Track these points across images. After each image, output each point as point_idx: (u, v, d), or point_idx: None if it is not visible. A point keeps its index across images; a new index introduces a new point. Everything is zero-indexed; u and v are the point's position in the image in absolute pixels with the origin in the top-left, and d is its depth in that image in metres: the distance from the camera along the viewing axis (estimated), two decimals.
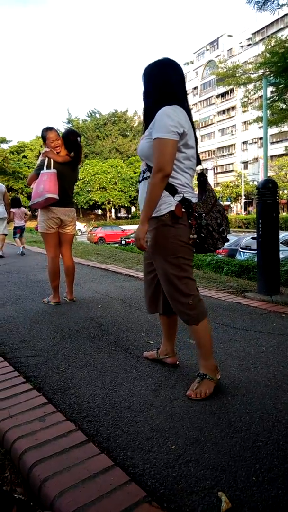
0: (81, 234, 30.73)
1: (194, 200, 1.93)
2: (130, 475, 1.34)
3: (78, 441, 1.52)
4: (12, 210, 8.08)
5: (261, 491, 1.26)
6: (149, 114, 1.90)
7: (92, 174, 41.19)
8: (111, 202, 43.14)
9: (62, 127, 45.63)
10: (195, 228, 1.89)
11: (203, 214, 1.90)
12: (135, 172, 43.86)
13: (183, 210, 1.85)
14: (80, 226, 34.94)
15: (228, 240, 2.05)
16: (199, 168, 2.06)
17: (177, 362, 2.27)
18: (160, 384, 2.03)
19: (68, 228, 3.75)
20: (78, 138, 3.68)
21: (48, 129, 3.61)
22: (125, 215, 52.39)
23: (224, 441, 1.53)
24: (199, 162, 2.04)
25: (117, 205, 46.09)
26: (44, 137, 3.64)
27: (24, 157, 43.44)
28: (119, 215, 52.81)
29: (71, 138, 3.68)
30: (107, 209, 45.89)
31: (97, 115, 50.98)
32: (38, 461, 1.39)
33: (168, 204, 1.85)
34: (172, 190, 1.86)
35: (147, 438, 1.56)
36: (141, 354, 2.42)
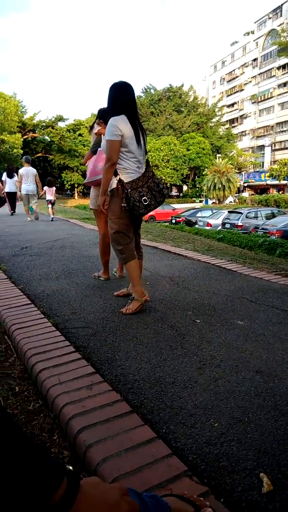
0: None
1: (130, 179, 2.75)
2: (172, 449, 1.36)
3: (122, 411, 1.56)
4: (45, 188, 10.71)
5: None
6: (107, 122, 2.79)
7: None
8: (163, 180, 42.83)
9: None
10: (125, 199, 2.74)
11: (129, 190, 2.71)
12: (188, 150, 43.03)
13: (119, 186, 2.75)
14: None
15: (150, 209, 2.79)
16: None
17: (148, 299, 2.95)
18: (205, 362, 2.03)
19: None
20: None
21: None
22: (176, 193, 51.89)
23: (268, 423, 1.50)
24: (146, 153, 2.93)
25: (168, 184, 45.70)
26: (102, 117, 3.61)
27: (80, 135, 44.00)
28: (170, 193, 52.43)
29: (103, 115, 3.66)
30: None
31: (152, 91, 50.18)
32: (84, 427, 1.46)
33: (112, 182, 2.78)
34: (115, 173, 2.76)
35: (190, 414, 1.57)
36: (187, 332, 2.42)
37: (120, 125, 2.68)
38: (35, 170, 10.09)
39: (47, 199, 10.71)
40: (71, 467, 1.32)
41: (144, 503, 0.88)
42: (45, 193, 10.73)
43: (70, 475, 0.78)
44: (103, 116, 3.59)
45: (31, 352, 2.09)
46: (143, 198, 2.73)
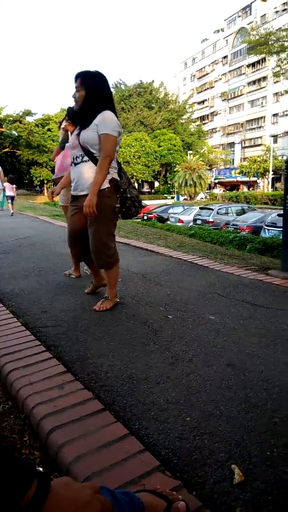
0: None
1: (118, 178, 2.66)
2: (145, 445, 1.36)
3: (95, 409, 1.55)
4: (5, 184, 11.45)
5: (275, 466, 1.26)
6: (85, 113, 2.59)
7: None
8: (134, 177, 42.77)
9: None
10: (120, 199, 2.68)
11: (126, 189, 2.70)
12: (159, 146, 43.13)
13: (112, 185, 2.61)
14: None
15: (143, 206, 2.87)
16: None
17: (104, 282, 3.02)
18: (177, 357, 2.04)
19: None
20: None
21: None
22: (148, 190, 51.98)
23: (239, 416, 1.53)
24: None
25: (140, 180, 45.70)
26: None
27: (49, 130, 43.18)
28: (142, 190, 52.48)
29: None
30: None
31: (122, 86, 49.91)
32: (56, 427, 1.43)
33: (105, 181, 2.56)
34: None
35: (163, 410, 1.57)
36: (159, 328, 2.43)
37: (119, 122, 2.62)
38: (0, 167, 11.46)
39: (7, 195, 11.53)
40: (41, 469, 1.30)
41: (116, 500, 0.88)
42: (4, 189, 11.56)
43: (40, 476, 0.77)
44: (73, 116, 3.56)
45: (0, 353, 2.04)
46: (139, 199, 2.79)
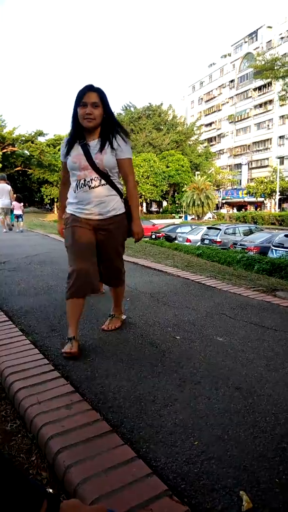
0: None
1: None
2: (152, 468, 1.35)
3: (102, 431, 1.55)
4: (14, 203, 11.91)
5: (284, 493, 1.25)
6: (104, 135, 2.42)
7: None
8: (142, 196, 43.18)
9: None
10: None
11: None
12: (167, 166, 43.64)
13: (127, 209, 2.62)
14: None
15: None
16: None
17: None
18: (185, 379, 2.03)
19: None
20: None
21: None
22: (156, 209, 52.36)
23: (247, 441, 1.51)
24: None
25: (148, 199, 46.10)
26: None
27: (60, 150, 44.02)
28: (150, 209, 52.85)
29: None
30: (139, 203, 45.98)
31: (132, 109, 50.99)
32: (63, 448, 1.43)
33: (119, 205, 2.52)
34: (121, 195, 2.57)
35: (170, 433, 1.57)
36: (167, 349, 2.42)
37: None
38: (9, 186, 11.66)
39: (15, 213, 12.27)
40: (51, 490, 1.29)
41: None
42: (13, 208, 12.20)
43: (50, 498, 0.78)
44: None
45: (8, 371, 2.05)
46: None
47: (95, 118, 2.32)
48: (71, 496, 1.28)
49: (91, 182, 2.39)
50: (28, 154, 41.62)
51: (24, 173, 44.55)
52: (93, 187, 2.39)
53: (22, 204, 12.51)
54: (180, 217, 42.10)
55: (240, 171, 52.58)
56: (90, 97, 2.30)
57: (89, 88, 2.32)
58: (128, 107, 51.32)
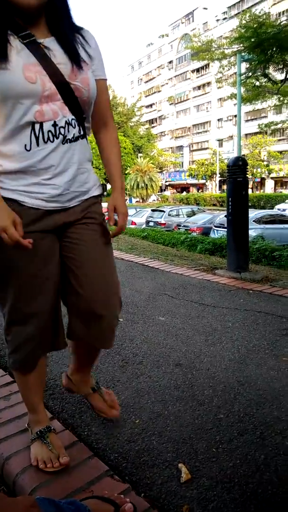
0: None
1: None
2: (94, 450, 1.35)
3: None
4: None
5: (220, 462, 1.31)
6: (49, 20, 1.14)
7: None
8: None
9: None
10: None
11: None
12: None
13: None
14: None
15: None
16: None
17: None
18: (127, 360, 2.05)
19: None
20: None
21: None
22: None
23: (186, 414, 1.56)
24: None
25: None
26: None
27: None
28: None
29: None
30: None
31: None
32: (1, 439, 1.39)
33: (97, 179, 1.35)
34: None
35: None
36: None
37: None
38: None
39: None
40: None
41: (60, 510, 0.87)
42: None
43: None
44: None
45: None
46: None
47: None
48: (11, 488, 1.25)
49: (67, 130, 1.14)
50: None
51: None
52: (71, 140, 1.16)
53: None
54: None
55: (182, 153, 53.28)
56: None
57: None
58: None
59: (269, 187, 41.85)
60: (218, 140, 45.61)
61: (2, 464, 1.30)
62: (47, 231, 1.18)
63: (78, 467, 1.26)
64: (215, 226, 12.25)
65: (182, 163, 52.61)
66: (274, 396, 1.70)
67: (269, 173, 39.76)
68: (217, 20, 47.11)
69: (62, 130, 1.13)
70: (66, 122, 1.13)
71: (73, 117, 1.15)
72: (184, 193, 43.92)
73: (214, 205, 34.82)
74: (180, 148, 54.72)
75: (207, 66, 45.73)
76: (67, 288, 1.26)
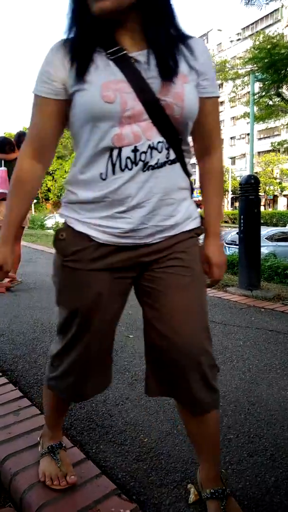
0: (57, 227, 30.48)
1: None
2: (101, 468, 1.34)
3: None
4: None
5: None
6: (147, 28, 0.98)
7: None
8: None
9: None
10: None
11: None
12: None
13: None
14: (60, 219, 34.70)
15: None
16: None
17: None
18: (137, 377, 2.04)
19: None
20: None
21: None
22: None
23: None
24: None
25: None
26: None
27: None
28: None
29: (22, 139, 4.01)
30: None
31: None
32: (10, 455, 1.39)
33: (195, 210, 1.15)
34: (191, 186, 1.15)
35: (121, 432, 1.57)
36: (120, 348, 2.42)
37: None
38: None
39: None
40: None
41: None
42: None
43: None
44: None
45: None
46: None
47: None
48: (18, 505, 1.24)
49: (149, 155, 0.99)
50: None
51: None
52: (154, 167, 1.00)
53: None
54: None
55: (195, 171, 53.42)
56: None
57: None
58: None
59: (281, 204, 41.72)
60: (231, 158, 45.77)
61: (10, 480, 1.30)
62: (115, 269, 1.06)
63: (86, 485, 1.25)
64: (227, 243, 12.21)
65: (195, 180, 52.74)
66: (285, 417, 1.67)
67: (282, 191, 39.70)
68: (231, 41, 47.96)
69: (142, 156, 0.98)
70: (149, 146, 0.98)
71: (162, 139, 0.99)
72: (198, 209, 43.94)
73: (226, 222, 34.74)
74: (193, 165, 55.03)
75: (220, 85, 46.37)
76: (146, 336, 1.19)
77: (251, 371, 2.12)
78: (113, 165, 0.98)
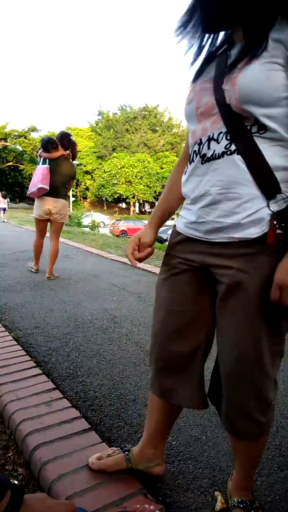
0: (103, 226, 30.88)
1: None
2: None
3: (81, 428, 1.54)
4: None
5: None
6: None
7: (119, 167, 41.33)
8: (135, 196, 43.21)
9: (93, 120, 45.74)
10: None
11: None
12: (161, 168, 43.69)
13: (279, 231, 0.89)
14: (103, 218, 35.17)
15: None
16: None
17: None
18: None
19: (56, 216, 4.32)
20: (70, 137, 4.39)
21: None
22: (149, 210, 52.44)
23: (225, 442, 1.52)
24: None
25: (141, 200, 46.12)
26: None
27: None
28: (143, 209, 52.91)
29: (65, 139, 4.34)
30: (131, 203, 45.98)
31: (128, 109, 50.99)
32: (40, 444, 1.43)
33: (266, 214, 0.90)
34: (274, 183, 0.90)
35: None
36: None
37: None
38: None
39: (0, 207, 16.11)
40: (16, 482, 1.28)
41: None
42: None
43: (14, 488, 0.78)
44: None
45: None
46: None
47: None
48: (46, 493, 1.27)
49: (207, 146, 0.97)
50: (21, 149, 41.44)
51: (15, 168, 44.30)
52: (210, 158, 0.96)
53: (7, 199, 16.54)
54: (172, 219, 42.22)
55: None
56: None
57: None
58: (124, 107, 51.31)
59: None
60: None
61: (40, 469, 1.33)
62: (190, 262, 1.06)
63: (113, 482, 1.26)
64: None
65: None
66: None
67: None
68: None
69: (202, 148, 0.97)
70: (208, 137, 0.95)
71: (223, 130, 0.93)
72: None
73: None
74: None
75: None
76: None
77: (285, 383, 2.06)
78: (189, 161, 1.06)
